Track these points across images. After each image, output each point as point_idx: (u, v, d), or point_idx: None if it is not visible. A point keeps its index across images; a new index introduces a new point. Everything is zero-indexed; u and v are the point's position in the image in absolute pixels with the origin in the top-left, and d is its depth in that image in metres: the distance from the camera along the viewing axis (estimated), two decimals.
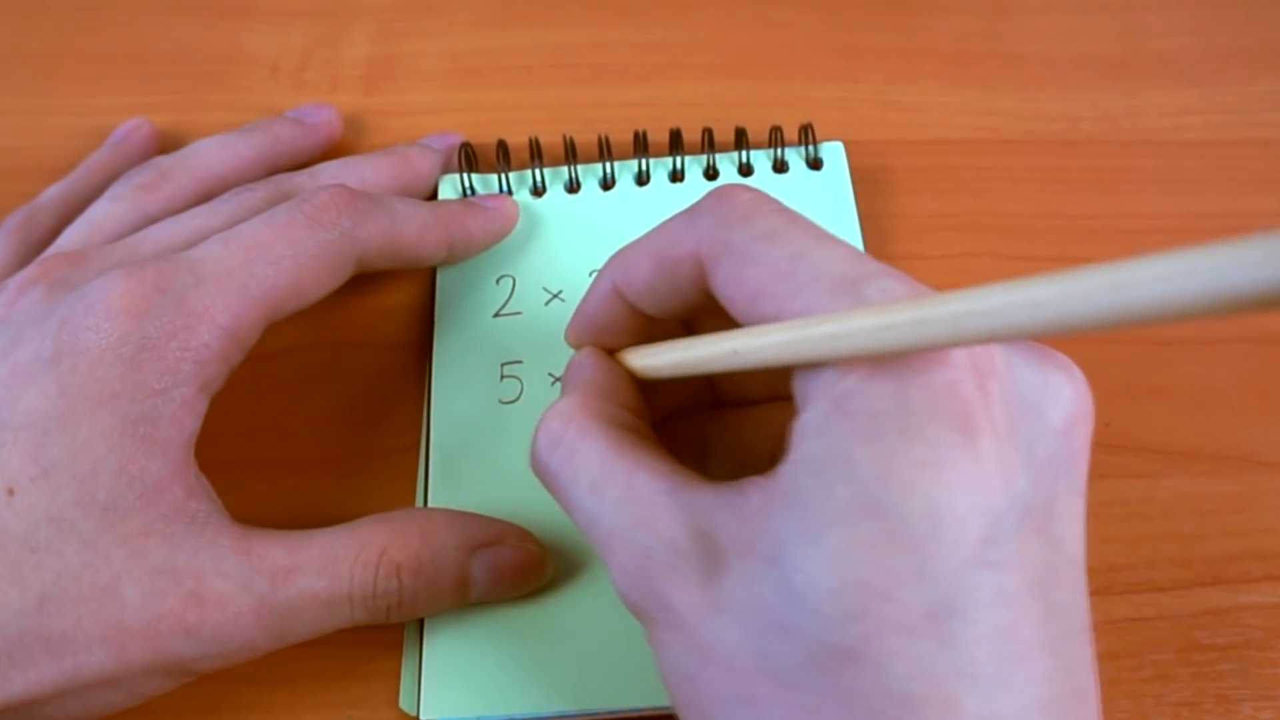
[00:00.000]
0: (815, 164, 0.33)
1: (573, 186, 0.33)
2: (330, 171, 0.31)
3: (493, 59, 0.38)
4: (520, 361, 0.30)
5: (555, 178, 0.34)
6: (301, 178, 0.31)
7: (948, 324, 0.16)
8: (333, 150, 0.35)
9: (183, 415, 0.24)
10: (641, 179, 0.33)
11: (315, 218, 0.26)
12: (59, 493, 0.23)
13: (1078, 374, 0.19)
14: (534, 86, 0.37)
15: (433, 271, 0.32)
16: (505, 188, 0.33)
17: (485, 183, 0.34)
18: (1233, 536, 0.28)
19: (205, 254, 0.25)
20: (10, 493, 0.23)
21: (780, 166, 0.33)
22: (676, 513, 0.19)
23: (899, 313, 0.16)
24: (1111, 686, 0.26)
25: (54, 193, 0.33)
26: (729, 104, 0.36)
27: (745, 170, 0.33)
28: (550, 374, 0.30)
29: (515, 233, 0.32)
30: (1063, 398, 0.19)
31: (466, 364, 0.30)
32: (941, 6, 0.38)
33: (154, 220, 0.29)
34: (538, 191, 0.33)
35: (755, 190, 0.21)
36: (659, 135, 0.34)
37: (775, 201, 0.21)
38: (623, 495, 0.20)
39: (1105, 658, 0.26)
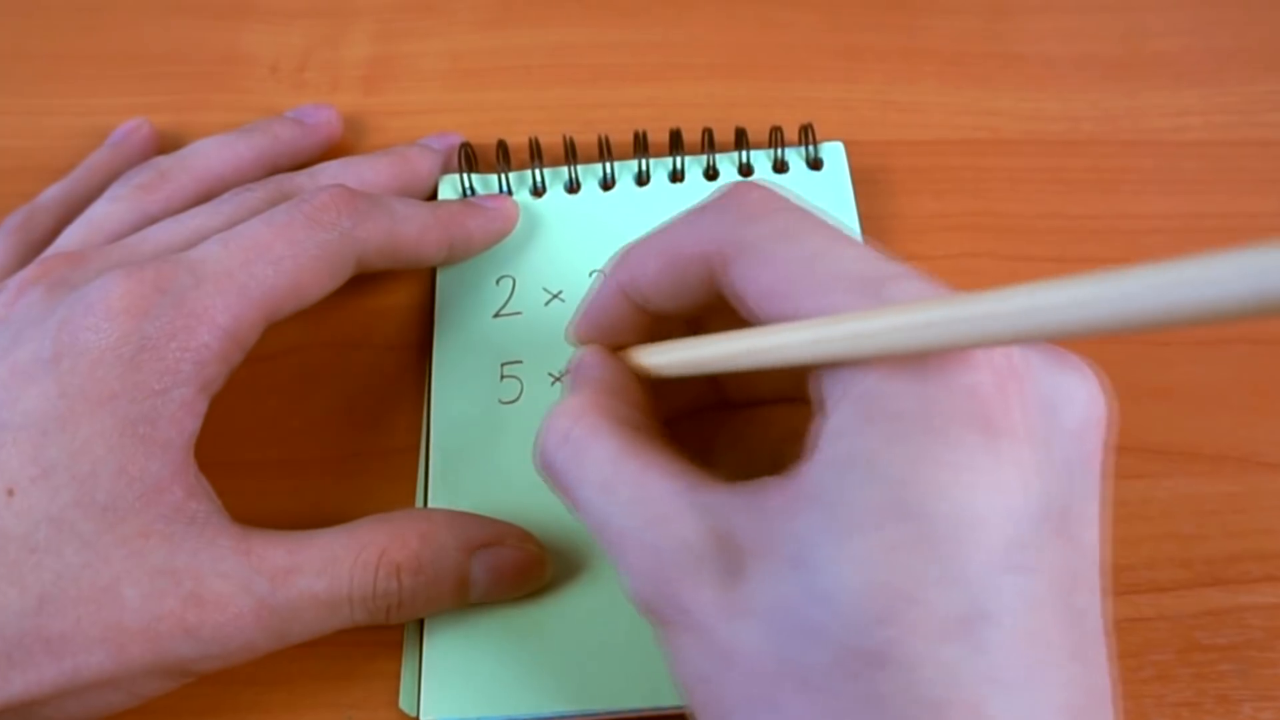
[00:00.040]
0: (815, 164, 0.33)
1: (573, 187, 0.33)
2: (330, 172, 0.31)
3: (493, 59, 0.38)
4: (520, 362, 0.30)
5: (555, 178, 0.34)
6: (301, 178, 0.31)
7: (973, 325, 0.16)
8: (333, 150, 0.35)
9: (182, 416, 0.24)
10: (641, 179, 0.33)
11: (315, 218, 0.26)
12: (58, 493, 0.23)
13: (1093, 376, 0.19)
14: (534, 86, 0.37)
15: (433, 272, 0.32)
16: (505, 188, 0.33)
17: (485, 183, 0.34)
18: (1233, 537, 0.28)
19: (205, 254, 0.25)
20: (10, 493, 0.23)
21: (780, 167, 0.33)
22: (692, 513, 0.19)
23: (924, 313, 0.16)
24: None
25: (54, 193, 0.33)
26: (729, 104, 0.36)
27: (745, 170, 0.33)
28: (550, 374, 0.30)
29: (515, 233, 0.32)
30: (1078, 400, 0.18)
31: (466, 364, 0.30)
32: (941, 6, 0.38)
33: (153, 220, 0.29)
34: (538, 192, 0.33)
35: (766, 187, 0.21)
36: (659, 135, 0.34)
37: (787, 199, 0.21)
38: (635, 495, 0.20)
39: None
